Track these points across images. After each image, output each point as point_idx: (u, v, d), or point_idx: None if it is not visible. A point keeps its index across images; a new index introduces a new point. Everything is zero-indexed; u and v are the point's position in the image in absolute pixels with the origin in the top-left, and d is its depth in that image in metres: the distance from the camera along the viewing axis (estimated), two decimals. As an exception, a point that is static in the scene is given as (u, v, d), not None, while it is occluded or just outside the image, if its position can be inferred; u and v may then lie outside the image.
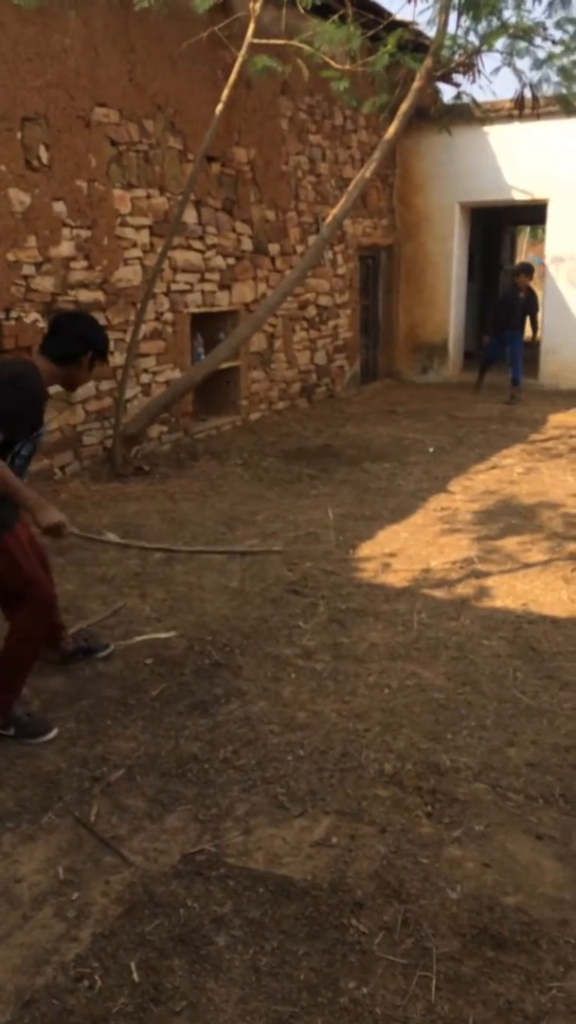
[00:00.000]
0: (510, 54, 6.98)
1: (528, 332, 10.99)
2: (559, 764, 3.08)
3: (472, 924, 2.34)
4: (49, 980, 2.17)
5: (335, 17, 6.88)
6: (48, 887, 2.49)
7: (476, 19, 6.83)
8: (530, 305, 10.63)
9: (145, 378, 7.57)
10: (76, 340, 3.24)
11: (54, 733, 3.29)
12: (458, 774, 3.02)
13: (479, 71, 7.35)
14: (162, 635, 4.13)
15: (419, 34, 8.19)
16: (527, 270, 10.67)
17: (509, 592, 4.66)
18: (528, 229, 25.40)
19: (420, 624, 4.25)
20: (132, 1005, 2.09)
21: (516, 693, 3.58)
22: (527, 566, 5.04)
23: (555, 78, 7.50)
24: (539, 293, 11.19)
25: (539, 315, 11.23)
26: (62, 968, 2.20)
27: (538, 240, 23.96)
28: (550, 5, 6.91)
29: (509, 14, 6.94)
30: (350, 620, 4.31)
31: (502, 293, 11.22)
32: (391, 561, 5.14)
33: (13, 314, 6.10)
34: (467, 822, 2.76)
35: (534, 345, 11.01)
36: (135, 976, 2.17)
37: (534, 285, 10.74)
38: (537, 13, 11.33)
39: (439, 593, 4.66)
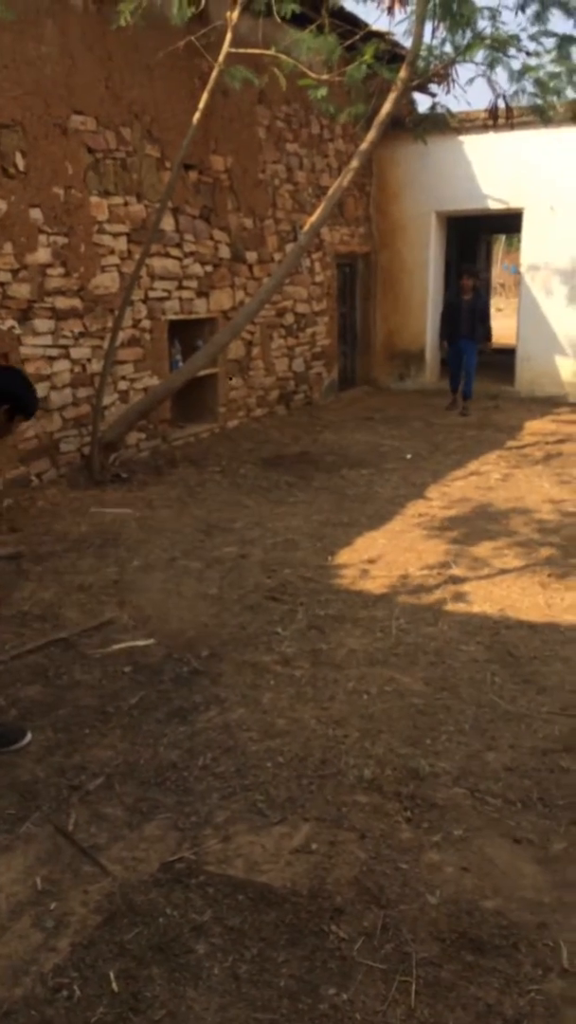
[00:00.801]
0: (488, 65, 7.04)
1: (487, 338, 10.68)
2: (537, 768, 3.10)
3: (451, 928, 2.35)
4: (27, 991, 2.15)
5: (312, 27, 6.92)
6: (26, 897, 2.48)
7: (452, 30, 6.89)
8: (477, 309, 10.26)
9: (123, 385, 7.55)
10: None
11: (28, 738, 3.27)
12: (437, 779, 3.03)
13: (454, 81, 7.42)
14: (140, 643, 4.12)
15: (395, 44, 8.26)
16: (469, 272, 10.48)
17: (486, 597, 4.69)
18: (504, 238, 25.67)
19: (398, 630, 4.27)
20: (111, 1015, 2.08)
21: (494, 698, 3.61)
22: (504, 571, 5.08)
23: (531, 89, 7.60)
24: (515, 300, 11.23)
25: (491, 320, 11.12)
26: (40, 978, 2.19)
27: (514, 249, 24.21)
28: (529, 20, 6.99)
29: (484, 24, 7.01)
30: (328, 626, 4.32)
31: (446, 298, 10.95)
32: (369, 567, 5.16)
33: (-11, 321, 6.08)
34: (446, 827, 2.78)
35: (487, 352, 10.64)
36: (114, 985, 2.16)
37: (509, 293, 10.75)
38: (513, 26, 11.46)
39: (417, 599, 4.68)
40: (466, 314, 10.12)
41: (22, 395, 3.14)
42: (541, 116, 8.10)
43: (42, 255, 6.45)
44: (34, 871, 2.58)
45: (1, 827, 2.78)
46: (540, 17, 6.99)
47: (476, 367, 10.43)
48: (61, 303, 6.69)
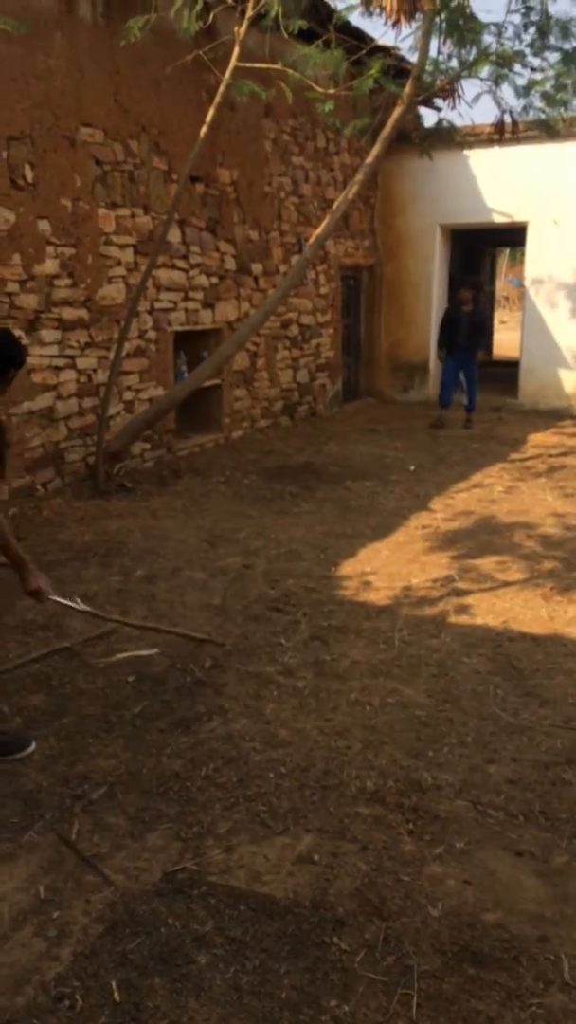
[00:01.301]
0: (494, 81, 7.10)
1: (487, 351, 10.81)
2: (539, 781, 3.10)
3: (453, 941, 2.35)
4: (30, 1000, 2.16)
5: (319, 42, 6.97)
6: (29, 906, 2.48)
7: (458, 46, 6.95)
8: (476, 321, 10.11)
9: (128, 395, 7.58)
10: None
11: (33, 747, 3.29)
12: (439, 791, 3.03)
13: (460, 96, 7.47)
14: (144, 652, 4.12)
15: (401, 59, 8.33)
16: (470, 284, 10.34)
17: (489, 610, 4.69)
18: (508, 251, 25.77)
19: (401, 641, 4.28)
20: (113, 1025, 2.08)
21: (496, 710, 3.61)
22: (507, 584, 5.08)
23: (538, 104, 7.67)
24: (519, 313, 11.22)
25: (493, 333, 10.96)
26: (43, 988, 2.19)
27: (518, 262, 24.28)
28: (533, 38, 7.06)
29: (490, 40, 7.08)
30: (332, 637, 4.33)
31: (446, 310, 10.63)
32: (372, 579, 5.17)
33: (-4, 331, 6.11)
34: (448, 839, 2.78)
35: (483, 366, 10.71)
36: (116, 995, 2.16)
37: (513, 306, 10.75)
38: (517, 42, 11.53)
39: (420, 611, 4.69)
40: (465, 326, 9.99)
41: (14, 350, 3.23)
42: (547, 131, 8.16)
43: (49, 266, 6.50)
44: (37, 880, 2.59)
45: (4, 836, 2.79)
46: (543, 36, 7.06)
47: (478, 379, 10.37)
48: (68, 314, 6.73)
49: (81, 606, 3.78)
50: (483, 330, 10.46)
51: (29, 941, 2.35)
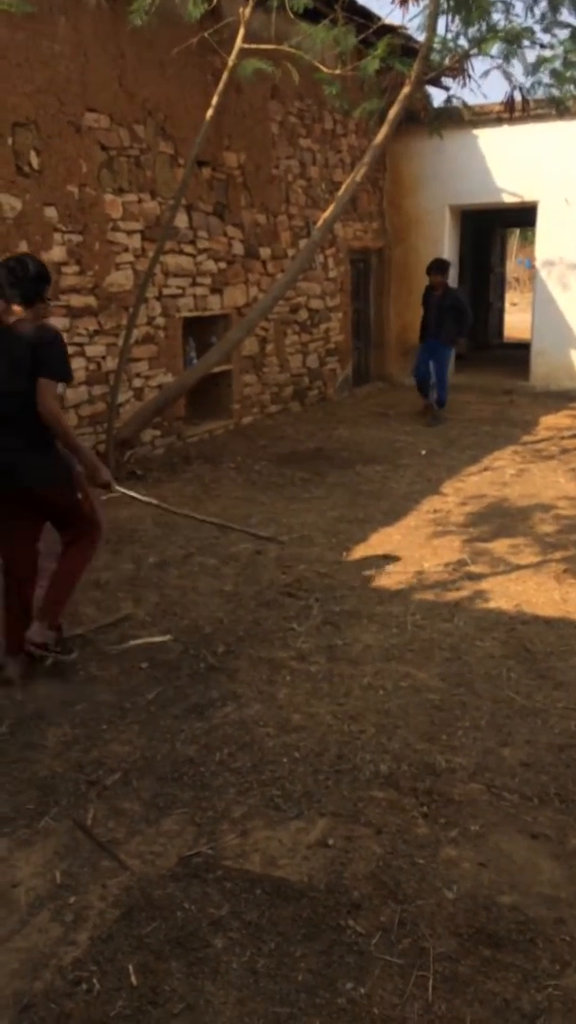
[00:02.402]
0: (505, 58, 7.01)
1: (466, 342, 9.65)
2: (553, 763, 3.09)
3: (469, 924, 2.36)
4: (47, 984, 2.17)
5: (326, 21, 6.90)
6: (45, 891, 2.50)
7: (466, 23, 6.86)
8: (446, 306, 9.26)
9: (137, 382, 7.57)
10: (40, 277, 3.58)
11: (75, 655, 3.86)
12: (453, 775, 3.03)
13: (468, 75, 7.38)
14: (157, 639, 4.14)
15: (409, 39, 8.22)
16: (439, 267, 9.41)
17: (502, 593, 4.68)
18: (518, 232, 25.55)
19: (414, 626, 4.27)
20: (130, 1008, 2.10)
21: (510, 693, 3.60)
22: (519, 567, 5.06)
23: (547, 80, 7.57)
24: (529, 295, 10.99)
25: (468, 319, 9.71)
26: (60, 972, 2.21)
27: (528, 242, 24.08)
28: (542, 14, 6.97)
29: (499, 17, 6.98)
30: (344, 622, 4.32)
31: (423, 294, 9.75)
32: (384, 563, 5.16)
33: (5, 319, 6.10)
34: (463, 822, 2.78)
35: (462, 357, 9.78)
36: (133, 979, 2.18)
37: (524, 287, 10.42)
38: (526, 18, 11.40)
39: (432, 595, 4.68)
40: (435, 312, 9.32)
41: (46, 268, 3.67)
42: (557, 108, 8.06)
43: (57, 253, 6.48)
44: (53, 865, 2.60)
45: (20, 822, 2.81)
46: (553, 10, 6.97)
47: (448, 368, 9.67)
48: (76, 301, 6.72)
49: (147, 498, 4.14)
50: (457, 316, 9.36)
51: (46, 926, 2.37)
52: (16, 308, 3.54)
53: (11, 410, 3.52)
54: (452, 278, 12.08)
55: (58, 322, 6.56)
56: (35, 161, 6.20)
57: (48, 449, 3.64)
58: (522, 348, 12.50)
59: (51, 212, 6.38)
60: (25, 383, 3.48)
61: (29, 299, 3.55)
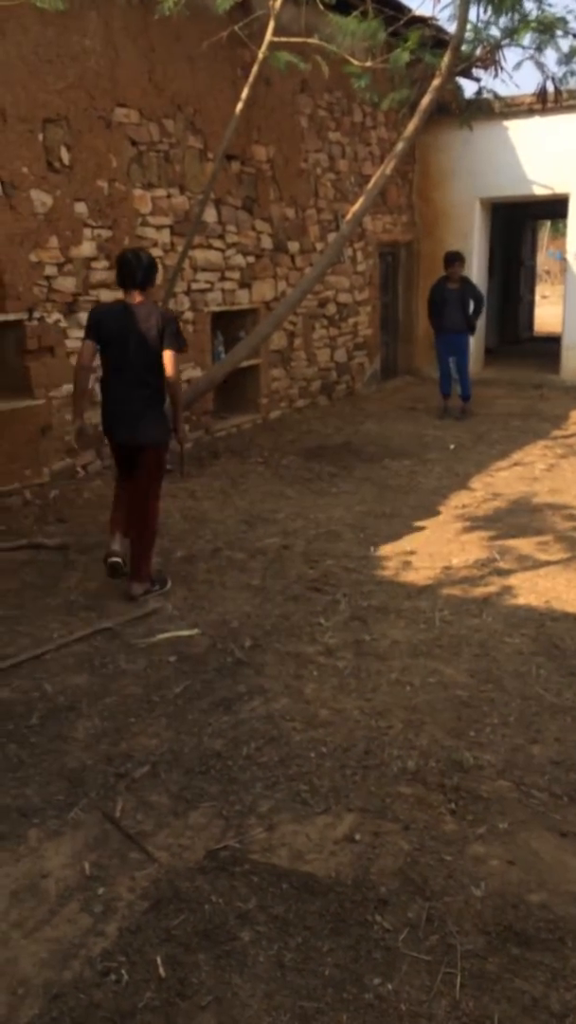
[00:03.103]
0: (537, 48, 6.92)
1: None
2: (583, 762, 3.07)
3: (496, 921, 2.34)
4: (76, 974, 2.19)
5: (356, 13, 6.86)
6: (74, 882, 2.52)
7: (497, 13, 6.79)
8: (467, 298, 9.08)
9: (166, 377, 7.59)
10: (152, 266, 4.44)
11: (169, 584, 4.67)
12: (481, 771, 3.02)
13: (501, 67, 7.31)
14: (184, 633, 4.15)
15: (439, 30, 8.16)
16: (455, 258, 9.15)
17: (531, 589, 4.64)
18: (549, 224, 25.28)
19: (442, 621, 4.25)
20: (158, 999, 2.11)
21: (539, 690, 3.58)
22: (549, 563, 5.02)
23: (580, 70, 7.47)
24: (560, 287, 10.81)
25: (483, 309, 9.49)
26: (89, 962, 2.23)
27: (559, 234, 23.82)
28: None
29: (531, 7, 6.91)
30: (372, 617, 4.32)
31: (432, 288, 9.45)
32: (412, 559, 5.14)
33: (36, 314, 6.15)
34: (491, 819, 2.76)
35: (490, 351, 9.45)
36: (161, 971, 2.19)
37: (555, 280, 10.20)
38: (560, 7, 11.25)
39: (461, 590, 4.65)
40: (453, 305, 9.07)
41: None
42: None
43: (87, 248, 6.51)
44: (82, 857, 2.63)
45: (50, 813, 2.83)
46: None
47: (469, 365, 9.44)
48: (106, 296, 6.74)
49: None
50: (477, 308, 9.24)
51: (76, 917, 2.39)
52: (136, 293, 4.39)
53: (138, 376, 4.37)
54: (484, 271, 12.01)
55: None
56: (65, 157, 6.23)
57: (161, 413, 4.50)
58: (553, 342, 12.37)
59: (81, 207, 6.41)
60: (151, 355, 4.34)
61: (145, 285, 4.41)
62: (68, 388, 6.51)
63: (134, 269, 4.36)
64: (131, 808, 2.85)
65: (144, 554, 4.58)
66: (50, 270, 6.22)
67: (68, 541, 5.39)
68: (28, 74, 5.86)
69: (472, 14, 6.77)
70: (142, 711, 3.46)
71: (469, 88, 21.48)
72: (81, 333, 6.51)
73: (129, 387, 4.40)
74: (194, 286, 7.76)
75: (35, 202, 6.02)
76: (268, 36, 6.52)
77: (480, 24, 7.16)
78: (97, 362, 4.54)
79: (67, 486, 6.45)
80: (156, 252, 7.20)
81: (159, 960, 2.23)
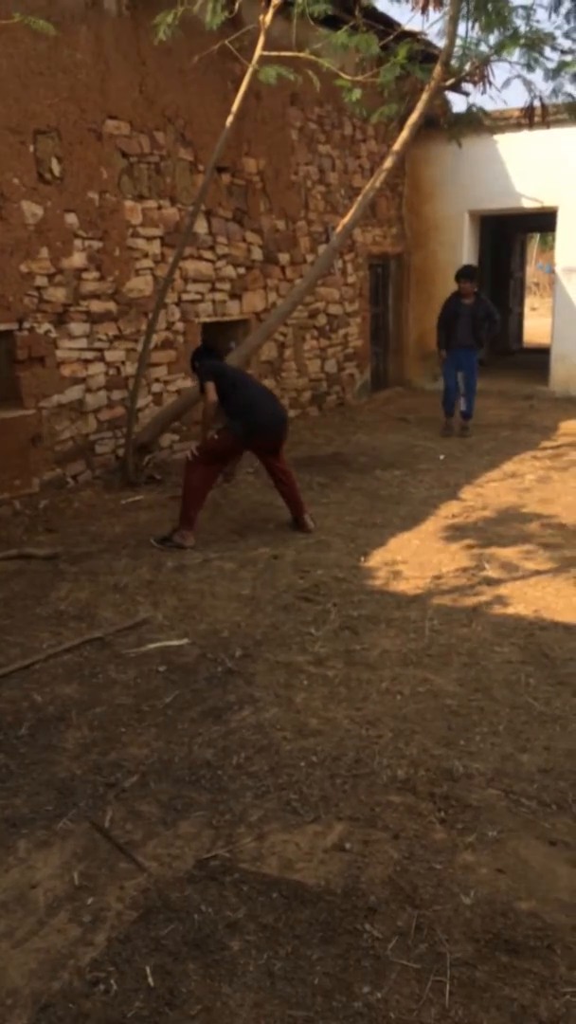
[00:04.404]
0: (525, 65, 7.00)
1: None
2: (572, 770, 3.08)
3: (486, 929, 2.35)
4: (65, 984, 2.19)
5: (346, 28, 6.92)
6: (63, 892, 2.51)
7: (486, 29, 6.86)
8: (480, 316, 8.91)
9: (156, 387, 7.62)
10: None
11: (192, 541, 5.49)
12: (471, 780, 3.02)
13: (489, 81, 7.37)
14: (175, 643, 4.15)
15: (429, 44, 8.24)
16: (467, 274, 9.03)
17: (520, 599, 4.66)
18: (538, 237, 25.46)
19: (432, 631, 4.26)
20: (147, 1009, 2.10)
21: (528, 699, 3.59)
22: (538, 573, 5.04)
23: (568, 87, 7.57)
24: (549, 300, 10.84)
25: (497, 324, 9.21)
26: (78, 972, 2.22)
27: (548, 247, 23.98)
28: (565, 17, 6.96)
29: (519, 23, 6.97)
30: (362, 627, 4.32)
31: (444, 302, 9.33)
32: (402, 568, 5.15)
33: (26, 325, 6.16)
34: (480, 828, 2.77)
35: (481, 363, 9.36)
36: (150, 980, 2.19)
37: (544, 292, 10.16)
38: (547, 23, 11.38)
39: (450, 600, 4.67)
40: (465, 320, 8.91)
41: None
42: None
43: (77, 259, 6.53)
44: (71, 866, 2.62)
45: (39, 823, 2.83)
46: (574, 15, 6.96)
47: (476, 382, 9.26)
48: (96, 306, 6.77)
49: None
50: (491, 325, 9.06)
51: (64, 927, 2.38)
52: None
53: None
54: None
55: (78, 328, 6.62)
56: (56, 168, 6.26)
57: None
58: (542, 353, 12.44)
59: (72, 218, 6.44)
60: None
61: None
62: (58, 398, 6.53)
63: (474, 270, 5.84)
64: (120, 818, 2.85)
65: (182, 506, 5.62)
66: (41, 281, 6.24)
67: (58, 551, 5.39)
68: (19, 86, 5.89)
69: (461, 29, 6.84)
70: (132, 721, 3.46)
71: (458, 102, 21.67)
72: (72, 344, 6.60)
73: None
74: (185, 297, 7.79)
75: (26, 213, 6.04)
76: (258, 50, 6.57)
77: (469, 40, 7.24)
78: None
79: (57, 496, 6.45)
80: (147, 263, 7.25)
81: (148, 970, 2.22)
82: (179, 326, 7.76)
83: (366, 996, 2.14)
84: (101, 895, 2.50)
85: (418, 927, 2.36)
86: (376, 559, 5.32)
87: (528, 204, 11.30)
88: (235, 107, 6.76)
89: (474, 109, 8.80)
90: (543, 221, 12.91)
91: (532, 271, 26.61)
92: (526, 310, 18.88)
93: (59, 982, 2.19)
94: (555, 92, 7.66)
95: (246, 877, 2.55)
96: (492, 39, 7.01)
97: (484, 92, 7.56)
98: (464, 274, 9.05)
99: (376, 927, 2.36)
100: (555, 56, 7.41)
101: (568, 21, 7.06)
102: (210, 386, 5.52)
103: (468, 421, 9.29)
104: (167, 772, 3.10)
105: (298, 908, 2.43)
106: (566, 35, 7.31)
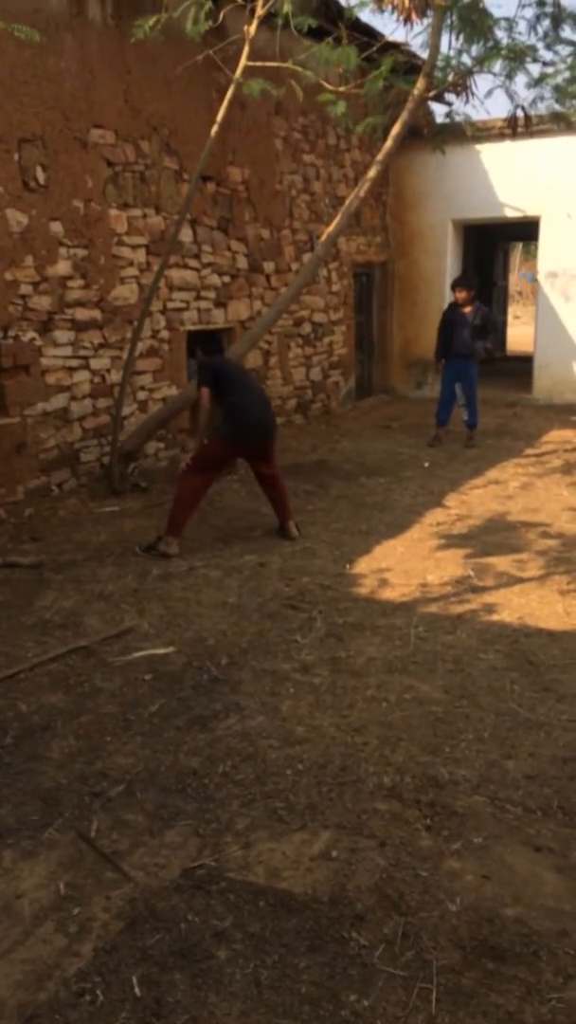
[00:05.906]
0: (507, 76, 7.06)
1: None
2: (557, 776, 3.09)
3: (472, 936, 2.36)
4: (51, 995, 2.18)
5: (329, 39, 6.96)
6: (49, 902, 2.50)
7: (469, 41, 6.92)
8: (478, 324, 8.70)
9: (142, 395, 7.61)
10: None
11: (176, 549, 5.49)
12: (456, 787, 3.03)
13: (472, 92, 7.44)
14: (160, 651, 4.15)
15: (412, 56, 8.30)
16: (463, 283, 8.88)
17: (505, 606, 4.68)
18: (521, 245, 25.65)
19: (417, 638, 4.27)
20: (134, 1019, 2.10)
21: (513, 706, 3.60)
22: (523, 580, 5.07)
23: (548, 97, 7.63)
24: (532, 308, 10.88)
25: (498, 332, 9.21)
26: (64, 983, 2.21)
27: (531, 256, 24.16)
28: (546, 30, 7.03)
29: (501, 35, 7.04)
30: (347, 634, 4.33)
31: (444, 312, 9.16)
32: (388, 576, 5.17)
33: (11, 333, 6.15)
34: (466, 835, 2.78)
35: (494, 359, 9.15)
36: (137, 990, 2.18)
37: (527, 300, 10.19)
38: (529, 36, 11.46)
39: (436, 607, 4.69)
40: (463, 331, 8.69)
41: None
42: (559, 123, 8.13)
43: (62, 267, 6.53)
44: (57, 876, 2.61)
45: (24, 833, 2.81)
46: (556, 27, 7.04)
47: (477, 391, 9.04)
48: (81, 314, 6.76)
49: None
50: (487, 334, 8.86)
51: (50, 937, 2.37)
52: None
53: None
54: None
55: (63, 336, 6.61)
56: (41, 176, 6.26)
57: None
58: (525, 361, 12.53)
59: (57, 227, 6.44)
60: None
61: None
62: (43, 406, 6.51)
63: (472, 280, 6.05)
64: (106, 827, 2.84)
65: (171, 514, 5.62)
66: (25, 289, 6.23)
67: (43, 559, 5.37)
68: (4, 95, 5.89)
69: (444, 41, 6.89)
70: (118, 730, 3.45)
71: (441, 112, 21.79)
72: (57, 352, 6.59)
73: None
74: (170, 305, 7.79)
75: (11, 221, 6.04)
76: (243, 61, 6.60)
77: (452, 52, 7.31)
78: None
79: (42, 504, 6.43)
80: (132, 271, 7.26)
81: (135, 980, 2.21)
82: (164, 334, 7.77)
83: (353, 1004, 2.14)
84: (87, 905, 2.49)
85: (404, 934, 2.36)
86: (361, 566, 5.33)
87: (511, 213, 11.40)
88: (220, 116, 6.78)
89: (458, 119, 8.85)
90: (526, 230, 13.03)
91: (515, 280, 26.79)
92: (509, 318, 19.01)
93: (45, 993, 2.18)
94: (535, 102, 7.74)
95: (233, 886, 2.55)
96: (475, 51, 7.08)
97: (467, 103, 7.63)
98: (458, 283, 8.97)
99: (363, 935, 2.36)
100: (537, 68, 7.48)
101: (545, 38, 7.13)
102: (204, 391, 5.54)
103: (474, 431, 9.06)
104: (153, 781, 3.09)
105: (285, 917, 2.43)
106: (548, 46, 7.38)
